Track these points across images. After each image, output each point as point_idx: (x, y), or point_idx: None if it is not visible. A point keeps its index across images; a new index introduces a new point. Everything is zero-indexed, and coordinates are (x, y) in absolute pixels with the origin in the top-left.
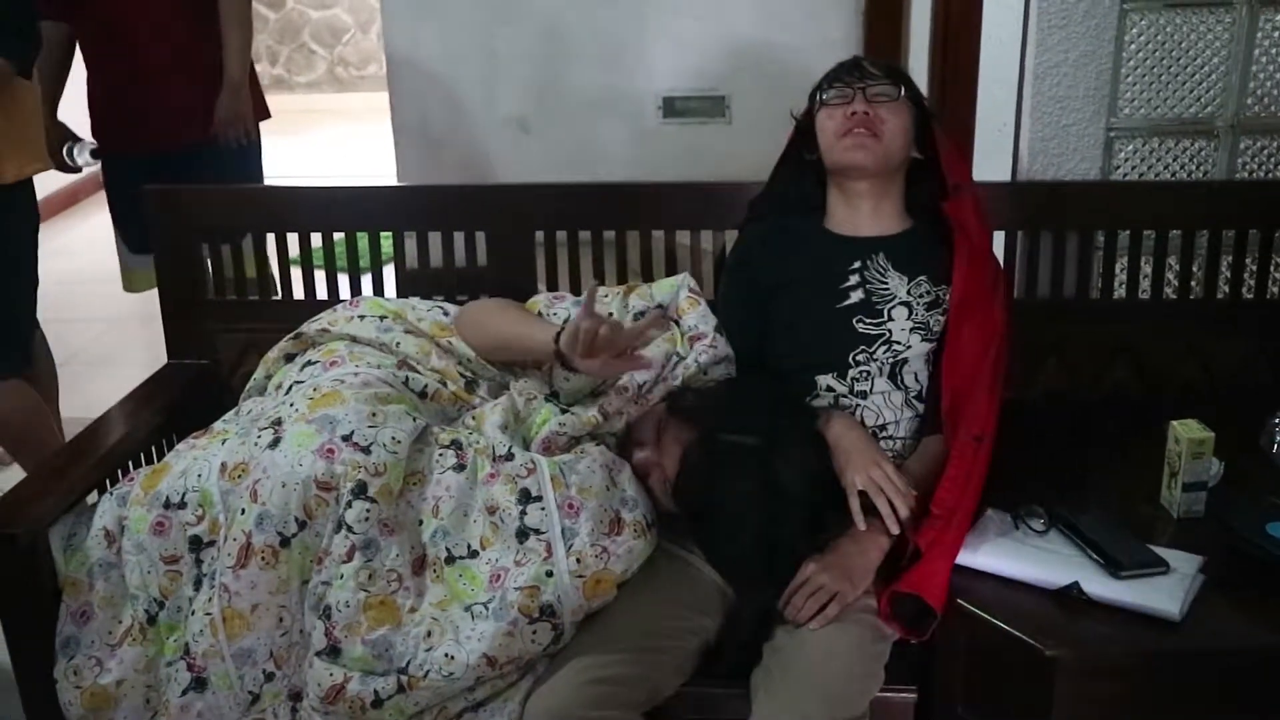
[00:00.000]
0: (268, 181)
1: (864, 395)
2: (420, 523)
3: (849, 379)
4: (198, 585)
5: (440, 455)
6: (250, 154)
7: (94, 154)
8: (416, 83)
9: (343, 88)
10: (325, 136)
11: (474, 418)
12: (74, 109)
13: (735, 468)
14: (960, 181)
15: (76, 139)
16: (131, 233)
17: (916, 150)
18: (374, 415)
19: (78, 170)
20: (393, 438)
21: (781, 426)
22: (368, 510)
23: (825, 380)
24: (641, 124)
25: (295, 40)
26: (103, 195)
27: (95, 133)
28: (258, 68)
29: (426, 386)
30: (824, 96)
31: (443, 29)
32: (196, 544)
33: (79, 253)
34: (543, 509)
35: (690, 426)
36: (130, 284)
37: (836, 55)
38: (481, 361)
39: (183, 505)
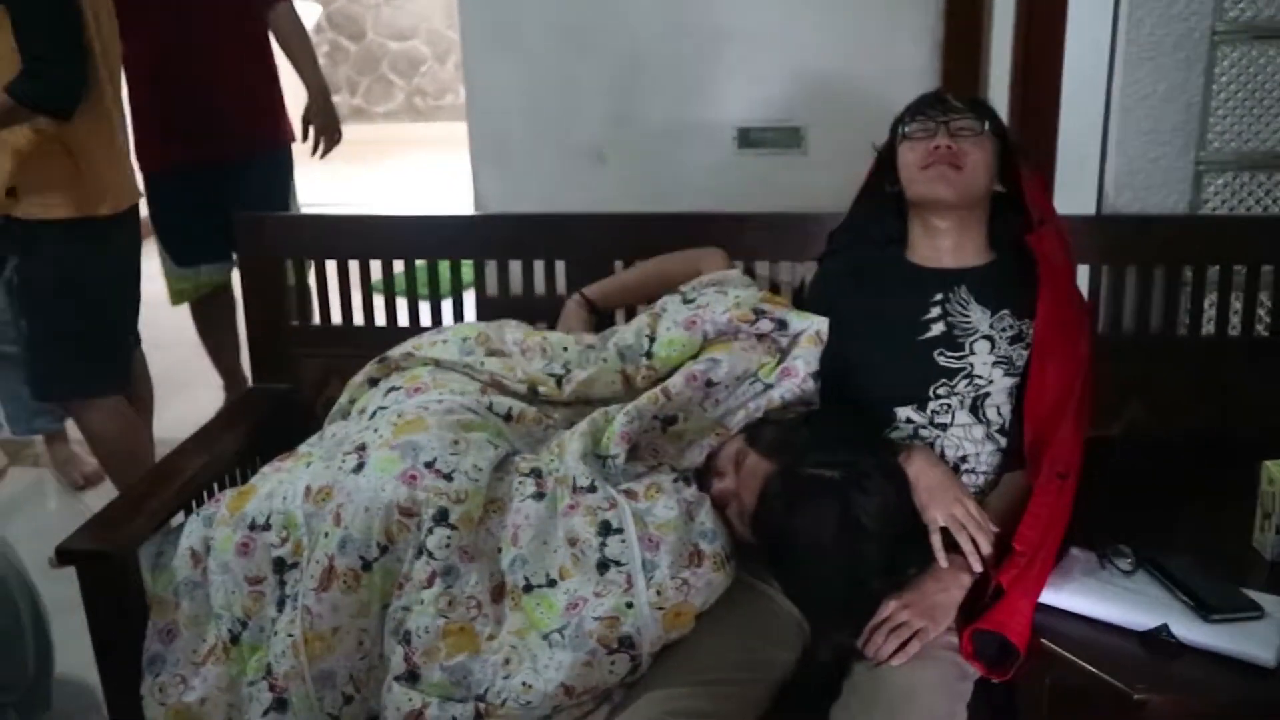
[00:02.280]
0: (346, 210)
1: (944, 428)
2: (499, 550)
3: (929, 411)
4: (280, 606)
5: (520, 483)
6: (288, 169)
7: None
8: (494, 113)
9: (420, 118)
10: (402, 165)
11: (558, 445)
12: None
13: (814, 501)
14: (1044, 215)
15: None
16: (175, 247)
17: (999, 183)
18: (456, 443)
19: None
20: (474, 465)
21: (862, 460)
22: (449, 537)
23: (905, 412)
24: (717, 155)
25: (374, 71)
26: None
27: (137, 151)
28: (336, 98)
29: (511, 409)
30: (906, 130)
31: (521, 60)
32: (280, 565)
33: (156, 278)
34: (623, 541)
35: (770, 458)
36: (173, 297)
37: (914, 87)
38: (579, 347)
39: (267, 527)
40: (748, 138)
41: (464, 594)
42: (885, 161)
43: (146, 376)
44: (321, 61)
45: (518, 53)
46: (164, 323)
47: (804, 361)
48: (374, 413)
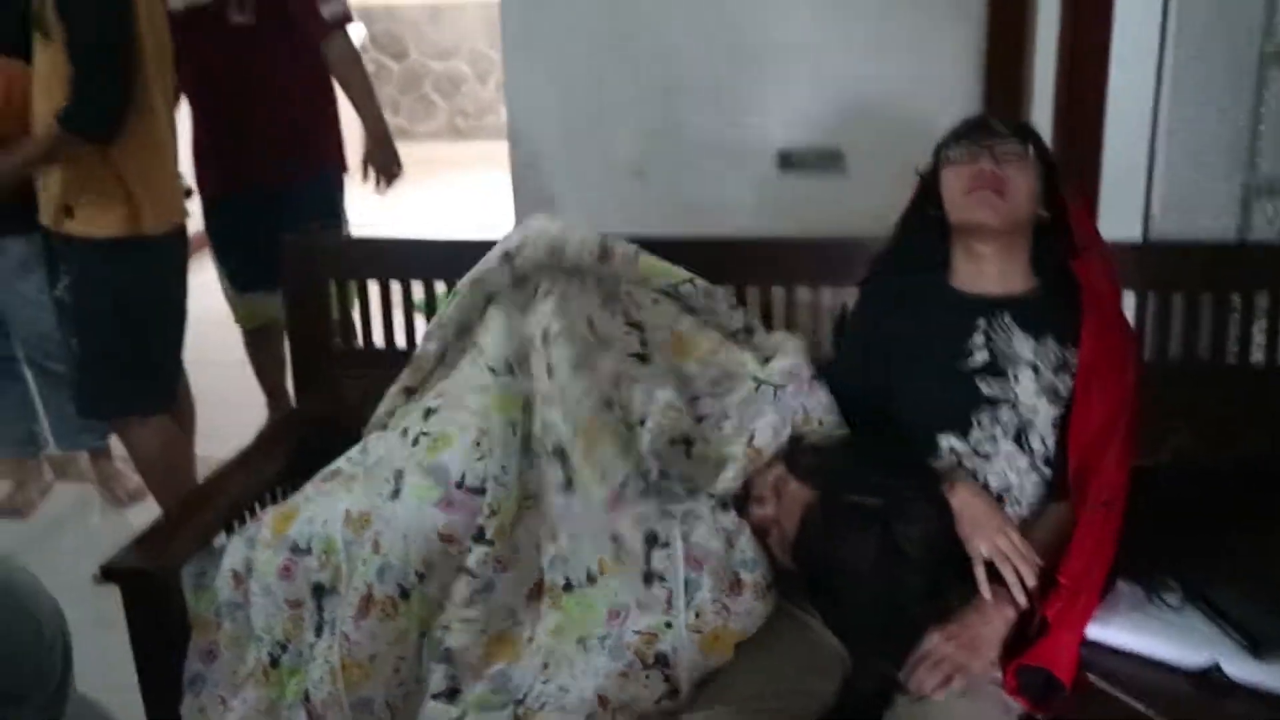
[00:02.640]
0: (387, 229)
1: (988, 457)
2: (537, 548)
3: (971, 440)
4: (319, 632)
5: (548, 466)
6: (338, 197)
7: (186, 192)
8: (535, 133)
9: (461, 137)
10: (444, 184)
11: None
12: None
13: (856, 529)
14: (1089, 240)
15: None
16: (232, 271)
17: (1043, 208)
18: (478, 444)
19: None
20: (501, 467)
21: (904, 489)
22: (486, 553)
23: (948, 440)
24: (758, 176)
25: (416, 91)
26: None
27: (196, 176)
28: None
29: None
30: (949, 154)
31: (561, 80)
32: (320, 591)
33: (201, 296)
34: (669, 556)
35: (811, 485)
36: (238, 319)
37: (956, 110)
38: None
39: (308, 551)
40: (789, 160)
41: (500, 604)
42: (928, 186)
43: (188, 394)
44: None
45: (558, 73)
46: (209, 340)
47: (796, 360)
48: (416, 439)
